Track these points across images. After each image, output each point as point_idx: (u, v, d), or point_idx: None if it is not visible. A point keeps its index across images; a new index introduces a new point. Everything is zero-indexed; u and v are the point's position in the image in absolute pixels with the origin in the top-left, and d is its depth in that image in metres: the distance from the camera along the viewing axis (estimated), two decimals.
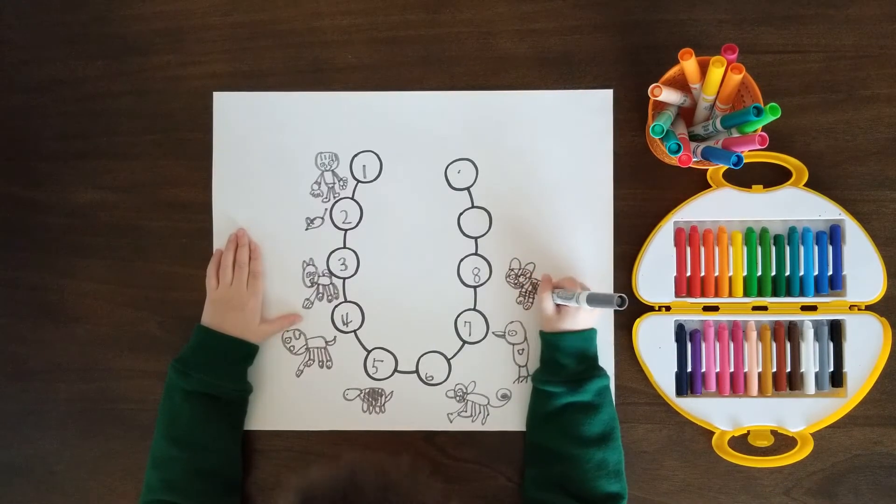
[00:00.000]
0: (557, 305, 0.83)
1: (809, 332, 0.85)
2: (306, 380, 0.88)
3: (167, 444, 0.81)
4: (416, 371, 0.88)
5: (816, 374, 0.85)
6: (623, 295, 0.72)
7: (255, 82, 0.90)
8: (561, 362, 0.82)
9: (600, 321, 0.85)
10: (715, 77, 0.77)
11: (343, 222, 0.89)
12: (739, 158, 0.75)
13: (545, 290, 0.83)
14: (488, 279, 0.88)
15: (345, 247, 0.89)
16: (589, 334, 0.83)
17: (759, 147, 0.74)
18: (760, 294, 0.86)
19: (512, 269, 0.88)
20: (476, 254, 0.89)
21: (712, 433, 0.85)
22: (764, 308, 0.86)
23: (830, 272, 0.85)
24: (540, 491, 0.80)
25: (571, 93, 0.88)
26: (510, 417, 0.87)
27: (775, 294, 0.86)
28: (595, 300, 0.76)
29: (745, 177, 0.86)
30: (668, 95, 0.79)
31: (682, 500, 0.86)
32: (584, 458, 0.79)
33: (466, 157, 0.89)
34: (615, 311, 0.86)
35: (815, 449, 0.84)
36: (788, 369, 0.86)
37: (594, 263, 0.87)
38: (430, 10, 0.89)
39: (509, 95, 0.89)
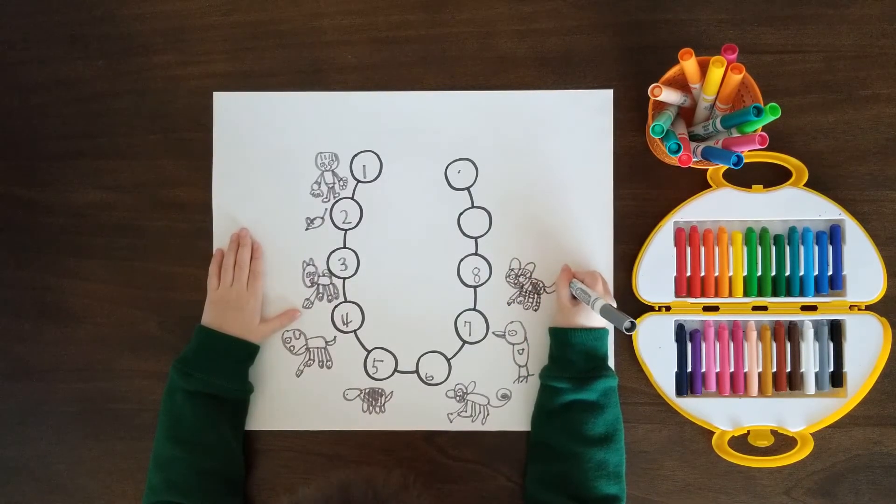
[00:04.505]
0: (574, 297, 0.82)
1: (809, 332, 0.85)
2: (306, 380, 0.88)
3: (170, 445, 0.81)
4: (416, 371, 0.88)
5: (816, 374, 0.85)
6: (633, 320, 0.71)
7: (255, 82, 0.90)
8: (570, 359, 0.81)
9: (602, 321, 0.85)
10: (715, 77, 0.76)
11: (343, 222, 0.89)
12: (739, 158, 0.75)
13: (564, 280, 0.83)
14: (488, 279, 0.88)
15: (345, 247, 0.89)
16: (600, 333, 0.82)
17: (759, 147, 0.74)
18: (760, 294, 0.86)
19: (512, 269, 0.88)
20: (476, 254, 0.89)
21: (712, 433, 0.85)
22: (764, 308, 0.86)
23: (830, 272, 0.85)
24: (539, 490, 0.80)
25: (571, 93, 0.88)
26: (510, 417, 0.87)
27: (775, 294, 0.86)
28: (607, 313, 0.75)
29: (745, 177, 0.86)
30: (668, 95, 0.79)
31: (682, 500, 0.86)
32: (585, 457, 0.79)
33: (466, 157, 0.89)
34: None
35: (815, 449, 0.84)
36: (788, 369, 0.86)
37: (594, 263, 0.87)
38: (430, 10, 0.89)
39: (509, 95, 0.89)
